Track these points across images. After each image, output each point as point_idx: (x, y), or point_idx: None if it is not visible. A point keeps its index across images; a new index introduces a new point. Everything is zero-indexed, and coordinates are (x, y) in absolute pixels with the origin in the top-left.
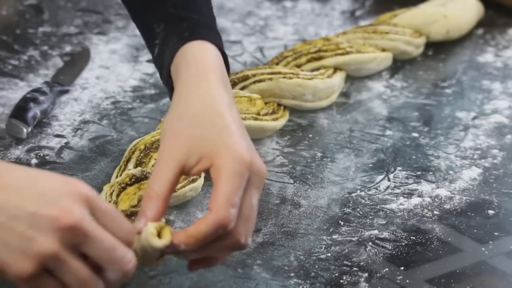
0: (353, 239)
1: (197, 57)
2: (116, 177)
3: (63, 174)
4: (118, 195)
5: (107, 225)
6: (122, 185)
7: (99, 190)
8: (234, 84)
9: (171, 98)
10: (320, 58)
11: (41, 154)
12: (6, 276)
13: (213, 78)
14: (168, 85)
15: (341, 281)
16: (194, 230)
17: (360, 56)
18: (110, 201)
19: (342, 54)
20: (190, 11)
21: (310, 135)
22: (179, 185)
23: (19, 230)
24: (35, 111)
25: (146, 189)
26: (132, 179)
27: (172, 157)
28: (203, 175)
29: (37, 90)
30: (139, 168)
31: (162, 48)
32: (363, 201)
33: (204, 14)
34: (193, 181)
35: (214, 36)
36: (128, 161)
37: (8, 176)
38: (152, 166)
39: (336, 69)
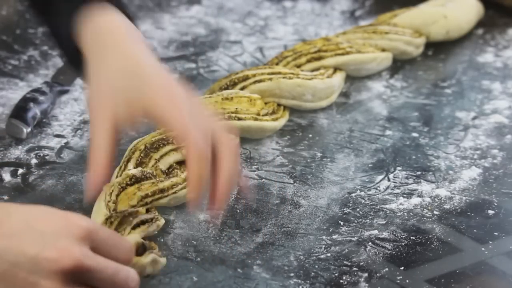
0: (353, 239)
1: (104, 27)
2: (116, 177)
3: (63, 174)
4: (117, 195)
5: (109, 251)
6: (122, 185)
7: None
8: (234, 84)
9: (78, 67)
10: (320, 58)
11: (41, 154)
12: None
13: (127, 40)
14: (71, 53)
15: (341, 281)
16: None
17: (360, 56)
18: (109, 201)
19: (342, 54)
20: None
21: (310, 135)
22: (180, 186)
23: (21, 277)
24: (35, 111)
25: (146, 189)
26: (132, 179)
27: (100, 109)
28: None
29: (37, 90)
30: (139, 169)
31: (58, 12)
32: (363, 201)
33: None
34: None
35: None
36: (128, 161)
37: (8, 220)
38: (152, 166)
39: (336, 69)
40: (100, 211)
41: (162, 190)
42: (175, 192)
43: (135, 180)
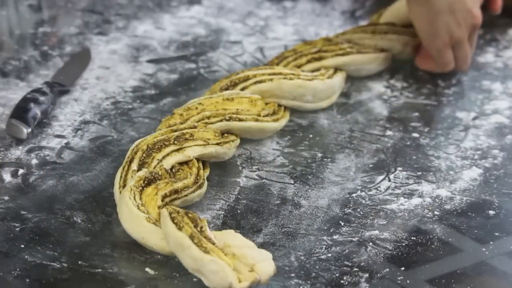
0: (353, 239)
1: None
2: (120, 177)
3: (63, 175)
4: (140, 198)
5: None
6: (139, 188)
7: (100, 190)
8: (234, 85)
9: None
10: (320, 59)
11: (42, 155)
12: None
13: None
14: None
15: (342, 281)
16: None
17: (360, 56)
18: (139, 205)
19: (342, 54)
20: None
21: (311, 136)
22: (190, 190)
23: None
24: (35, 111)
25: (164, 188)
26: (145, 181)
27: None
28: (206, 181)
29: (38, 91)
30: (145, 170)
31: None
32: (363, 201)
33: None
34: (200, 187)
35: None
36: (131, 161)
37: None
38: (155, 167)
39: (336, 69)
40: (135, 216)
41: (176, 191)
42: (186, 195)
43: (148, 182)
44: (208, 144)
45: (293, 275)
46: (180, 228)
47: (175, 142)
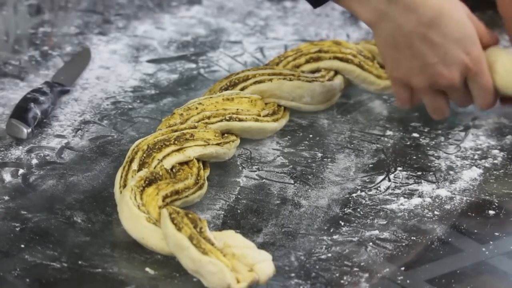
0: (353, 239)
1: None
2: (121, 177)
3: (63, 175)
4: (141, 198)
5: None
6: (140, 188)
7: (100, 190)
8: (234, 85)
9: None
10: (318, 59)
11: (42, 155)
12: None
13: None
14: None
15: (342, 281)
16: None
17: (357, 70)
18: (139, 205)
19: (340, 59)
20: None
21: (311, 135)
22: (191, 191)
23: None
24: (35, 111)
25: (165, 189)
26: (146, 181)
27: None
28: (206, 182)
29: (38, 90)
30: (146, 170)
31: None
32: (363, 201)
33: None
34: (200, 187)
35: None
36: (131, 161)
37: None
38: (155, 167)
39: (337, 72)
40: (135, 216)
41: (177, 192)
42: (187, 196)
43: (149, 182)
44: (209, 144)
45: (293, 275)
46: (179, 229)
47: (176, 142)
